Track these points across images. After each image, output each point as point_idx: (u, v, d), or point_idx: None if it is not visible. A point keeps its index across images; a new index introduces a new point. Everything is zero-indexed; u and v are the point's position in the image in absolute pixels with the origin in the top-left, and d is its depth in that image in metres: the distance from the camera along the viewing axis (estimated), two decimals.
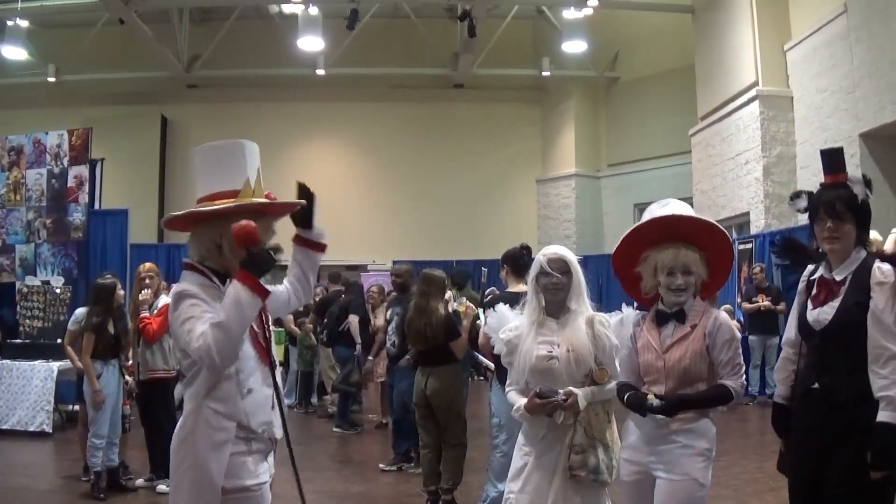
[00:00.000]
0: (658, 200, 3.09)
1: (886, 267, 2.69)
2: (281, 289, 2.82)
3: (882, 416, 2.57)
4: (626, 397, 2.82)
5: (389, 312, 6.87)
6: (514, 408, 2.98)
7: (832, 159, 2.91)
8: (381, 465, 6.61)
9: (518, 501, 2.94)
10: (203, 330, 2.31)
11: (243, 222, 2.38)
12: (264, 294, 2.41)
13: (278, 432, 2.60)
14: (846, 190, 2.83)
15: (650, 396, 2.72)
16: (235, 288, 2.34)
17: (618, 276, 3.04)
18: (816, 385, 2.78)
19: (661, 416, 2.73)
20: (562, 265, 3.03)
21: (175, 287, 2.53)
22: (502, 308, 3.29)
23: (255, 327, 2.54)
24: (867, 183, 2.83)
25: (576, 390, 2.88)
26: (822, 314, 2.79)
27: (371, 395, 10.32)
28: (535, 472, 2.93)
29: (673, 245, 2.84)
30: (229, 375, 2.43)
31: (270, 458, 2.60)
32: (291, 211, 2.80)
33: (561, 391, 2.87)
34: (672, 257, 2.82)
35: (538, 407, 2.88)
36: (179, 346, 2.48)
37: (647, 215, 3.00)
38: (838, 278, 2.79)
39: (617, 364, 3.04)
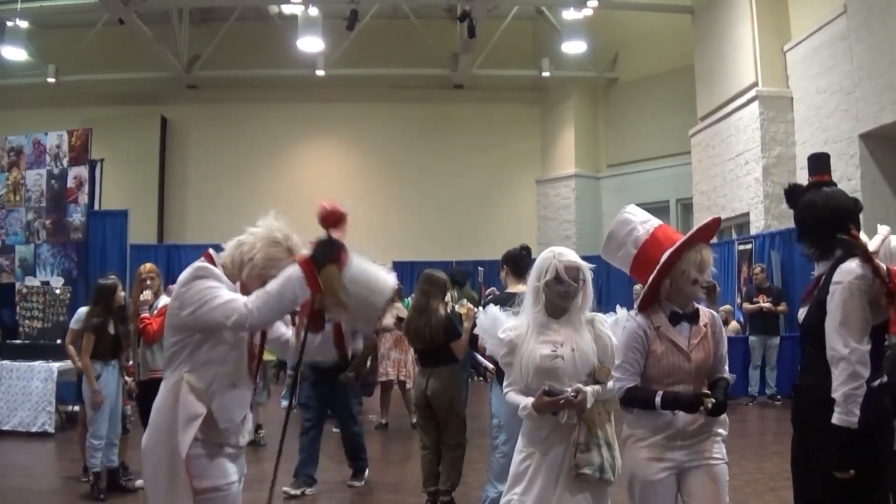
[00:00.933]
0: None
1: (847, 266, 2.67)
2: (287, 335, 2.87)
3: (833, 417, 2.60)
4: (661, 398, 2.81)
5: None
6: (521, 406, 2.93)
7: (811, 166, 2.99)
8: (284, 489, 5.69)
9: (522, 503, 2.92)
10: (240, 299, 2.43)
11: (334, 204, 2.52)
12: (316, 286, 2.47)
13: (243, 440, 2.66)
14: None
15: (705, 394, 2.81)
16: (293, 267, 2.45)
17: (652, 275, 2.97)
18: (798, 382, 2.86)
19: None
20: (577, 274, 3.00)
21: (196, 263, 2.58)
22: (493, 309, 3.27)
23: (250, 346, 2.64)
24: (787, 192, 2.96)
25: (584, 388, 2.88)
26: (802, 312, 2.88)
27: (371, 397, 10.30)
28: (540, 472, 2.91)
29: (703, 244, 2.95)
30: (214, 362, 2.51)
31: (241, 460, 2.66)
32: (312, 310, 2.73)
33: (569, 388, 2.87)
34: (710, 255, 2.95)
35: (547, 404, 2.85)
36: (187, 314, 2.49)
37: (633, 218, 3.06)
38: (817, 276, 2.85)
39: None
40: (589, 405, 2.87)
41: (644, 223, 3.04)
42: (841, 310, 2.62)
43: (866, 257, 2.62)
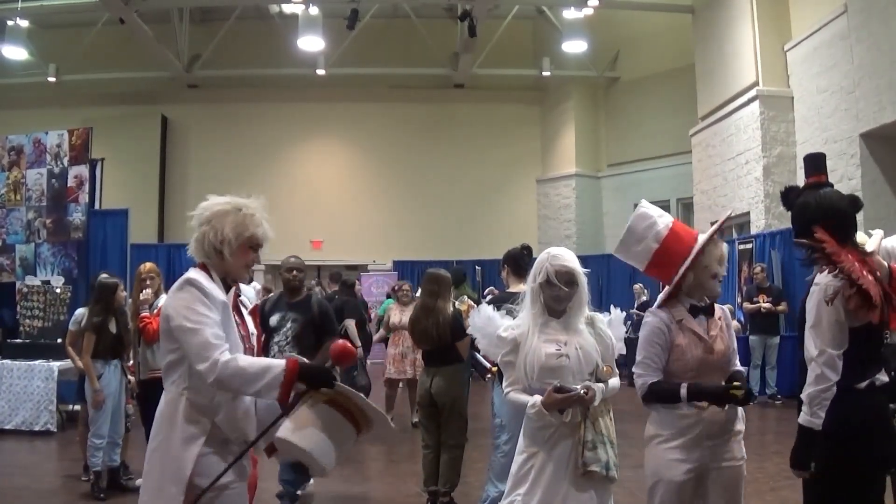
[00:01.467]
0: (652, 203, 3.12)
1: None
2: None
3: (800, 416, 2.64)
4: (686, 390, 2.79)
5: (277, 318, 5.33)
6: (530, 404, 2.90)
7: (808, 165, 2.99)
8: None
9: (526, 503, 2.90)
10: (222, 352, 2.34)
11: (353, 351, 2.51)
12: (284, 399, 2.38)
13: (252, 436, 2.58)
14: None
15: (734, 385, 2.78)
16: (278, 367, 2.36)
17: (682, 268, 2.93)
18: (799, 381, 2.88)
19: (717, 408, 2.82)
20: (569, 278, 2.98)
21: (188, 274, 2.50)
22: (486, 308, 3.26)
23: (243, 338, 2.56)
24: (783, 194, 2.95)
25: (593, 385, 2.88)
26: None
27: (374, 396, 10.31)
28: (544, 472, 2.90)
29: (718, 239, 2.97)
30: None
31: (246, 459, 2.58)
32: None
33: (579, 386, 2.85)
34: (725, 249, 2.96)
35: (559, 401, 2.83)
36: (174, 333, 2.42)
37: (651, 212, 3.02)
38: (811, 278, 2.87)
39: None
40: (597, 402, 2.88)
41: (661, 217, 3.02)
42: (815, 312, 2.63)
43: (828, 261, 2.60)
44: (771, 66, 11.71)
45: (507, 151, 17.73)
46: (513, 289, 4.75)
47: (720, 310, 3.02)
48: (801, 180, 10.84)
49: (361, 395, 2.56)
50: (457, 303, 5.82)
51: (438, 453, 5.34)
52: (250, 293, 2.73)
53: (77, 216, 10.28)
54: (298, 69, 16.34)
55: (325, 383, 2.41)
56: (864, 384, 2.61)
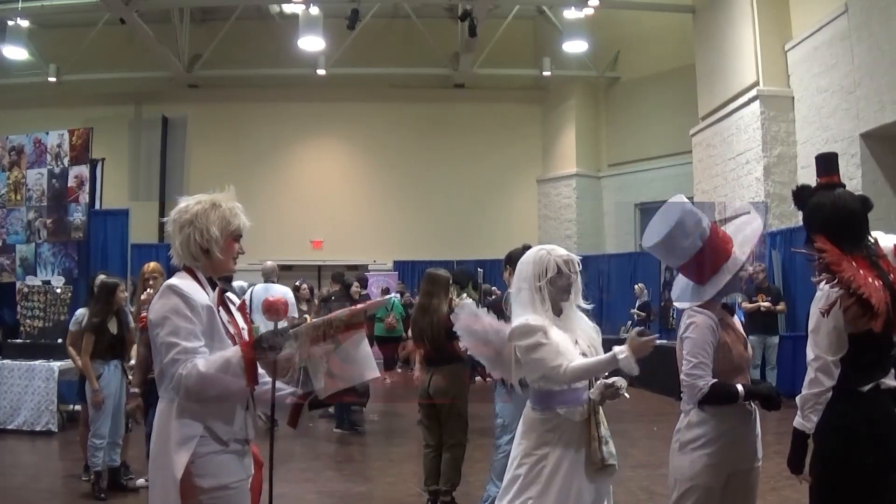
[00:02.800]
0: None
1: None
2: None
3: (795, 420, 2.66)
4: (748, 391, 2.80)
5: None
6: (619, 350, 2.79)
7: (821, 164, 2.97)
8: None
9: None
10: (191, 364, 2.35)
11: (282, 300, 2.58)
12: (252, 382, 2.43)
13: (251, 433, 2.59)
14: None
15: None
16: (235, 357, 2.38)
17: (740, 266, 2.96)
18: None
19: (753, 406, 2.88)
20: (574, 266, 3.06)
21: (170, 280, 2.51)
22: (470, 305, 3.29)
23: (234, 336, 2.55)
24: (795, 193, 2.90)
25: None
26: None
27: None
28: (559, 471, 2.87)
29: None
30: None
31: (248, 458, 2.59)
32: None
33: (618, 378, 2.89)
34: None
35: (644, 344, 2.78)
36: (155, 343, 2.45)
37: (696, 209, 3.01)
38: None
39: None
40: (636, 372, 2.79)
41: (702, 215, 3.02)
42: (816, 316, 2.62)
43: (827, 270, 2.58)
44: (771, 65, 11.70)
45: (507, 151, 17.73)
46: None
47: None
48: (801, 180, 10.78)
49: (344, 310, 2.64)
50: (456, 300, 5.82)
51: (440, 453, 5.34)
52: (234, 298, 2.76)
53: (77, 216, 10.28)
54: (299, 69, 16.34)
55: (280, 343, 2.46)
56: (867, 387, 2.60)
